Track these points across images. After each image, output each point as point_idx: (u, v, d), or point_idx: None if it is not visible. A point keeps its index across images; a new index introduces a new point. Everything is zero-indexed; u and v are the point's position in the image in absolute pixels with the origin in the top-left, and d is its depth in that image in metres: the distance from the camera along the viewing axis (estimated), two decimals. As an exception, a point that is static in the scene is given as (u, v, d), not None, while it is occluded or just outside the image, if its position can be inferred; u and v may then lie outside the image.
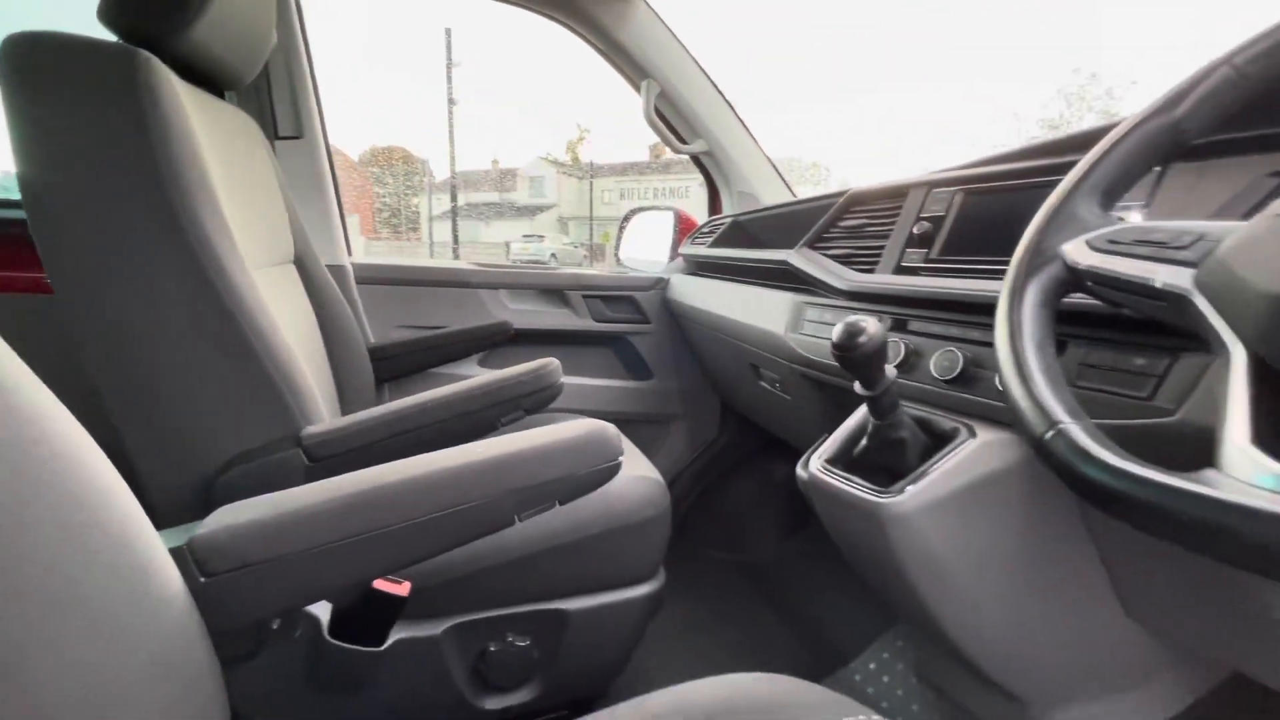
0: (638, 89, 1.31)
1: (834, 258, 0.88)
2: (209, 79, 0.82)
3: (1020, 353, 0.38)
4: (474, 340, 1.23)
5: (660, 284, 1.44)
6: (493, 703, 0.79)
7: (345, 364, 1.03)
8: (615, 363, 1.47)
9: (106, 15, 0.66)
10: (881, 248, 0.80)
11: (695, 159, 1.44)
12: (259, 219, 0.86)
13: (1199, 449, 0.32)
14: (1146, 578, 0.59)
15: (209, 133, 0.73)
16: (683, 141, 1.37)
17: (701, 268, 1.34)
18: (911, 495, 0.57)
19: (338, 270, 1.19)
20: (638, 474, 0.87)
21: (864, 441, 0.64)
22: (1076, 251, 0.39)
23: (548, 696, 0.81)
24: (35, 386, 0.28)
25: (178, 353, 0.63)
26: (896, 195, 0.82)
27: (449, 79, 16.78)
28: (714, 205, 1.50)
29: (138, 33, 0.66)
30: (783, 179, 1.44)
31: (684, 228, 1.54)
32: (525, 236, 21.28)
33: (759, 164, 1.40)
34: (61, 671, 0.25)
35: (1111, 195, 0.42)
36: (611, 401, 1.42)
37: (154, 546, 0.33)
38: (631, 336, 1.45)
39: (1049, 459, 0.34)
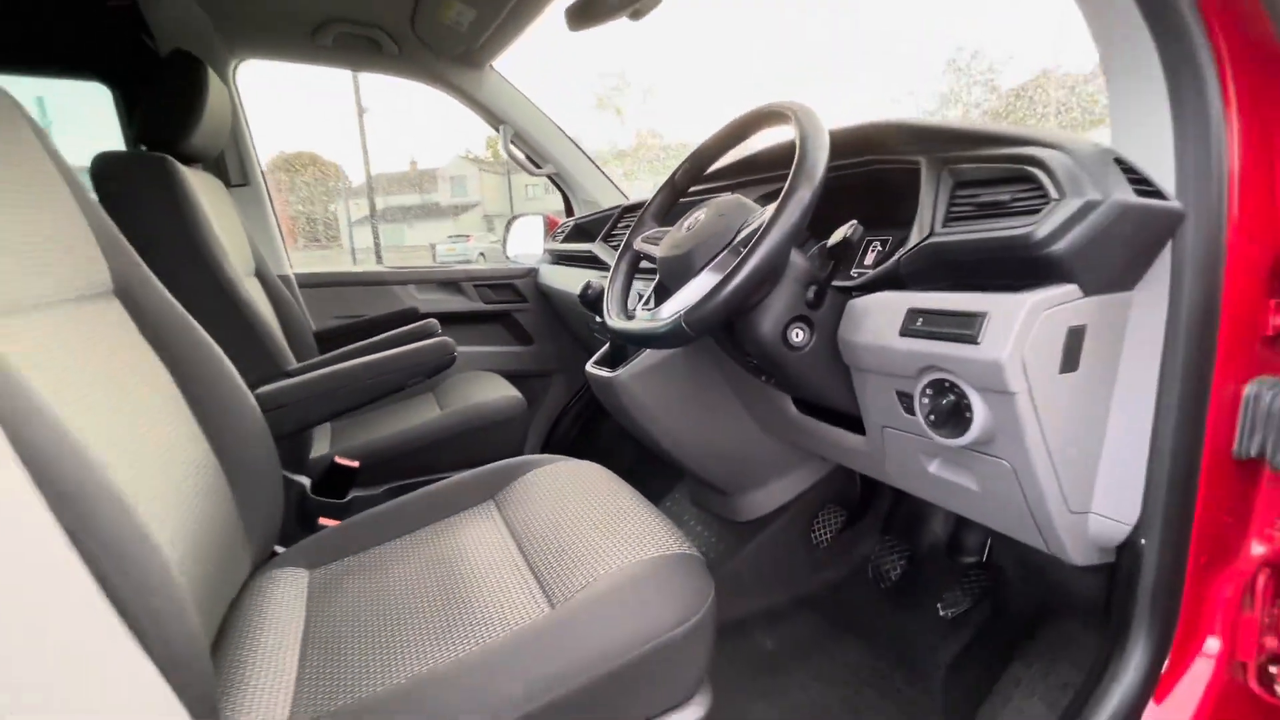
0: (496, 129, 1.79)
1: (613, 247, 1.40)
2: (190, 158, 1.25)
3: (612, 290, 0.90)
4: (390, 322, 1.69)
5: (532, 273, 1.93)
6: None
7: (297, 343, 1.48)
8: (504, 334, 1.97)
9: (141, 137, 1.10)
10: (634, 239, 1.32)
11: (550, 178, 1.93)
12: (233, 246, 1.30)
13: None
14: (752, 399, 1.13)
15: (201, 194, 1.18)
16: (537, 166, 1.86)
17: (558, 258, 1.85)
18: (625, 371, 1.09)
19: (285, 278, 1.63)
20: (503, 393, 1.37)
21: (610, 349, 1.16)
22: (637, 244, 0.92)
23: None
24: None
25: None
26: (640, 207, 1.34)
27: (356, 84, 16.56)
28: (568, 210, 2.00)
29: (159, 144, 1.11)
30: (618, 188, 1.95)
31: (551, 229, 2.04)
32: (451, 237, 21.09)
33: (596, 179, 1.91)
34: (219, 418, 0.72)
35: (660, 215, 0.94)
36: (502, 363, 1.91)
37: (246, 391, 0.81)
38: (515, 314, 1.94)
39: (610, 330, 0.86)
